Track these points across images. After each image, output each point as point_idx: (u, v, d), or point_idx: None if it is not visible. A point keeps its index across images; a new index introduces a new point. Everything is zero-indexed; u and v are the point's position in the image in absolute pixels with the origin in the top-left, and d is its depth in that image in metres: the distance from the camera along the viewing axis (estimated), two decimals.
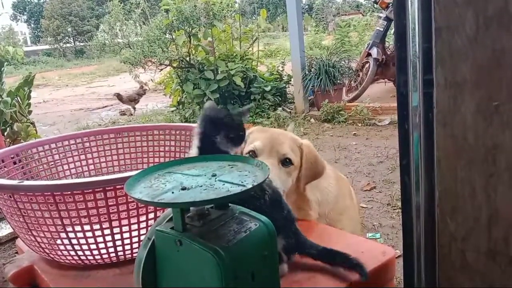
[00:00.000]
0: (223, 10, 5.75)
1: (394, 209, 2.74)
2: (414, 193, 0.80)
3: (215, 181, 0.67)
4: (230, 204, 0.72)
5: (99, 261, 0.94)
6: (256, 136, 1.15)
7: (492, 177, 0.67)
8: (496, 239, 0.69)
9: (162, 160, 1.33)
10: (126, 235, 0.91)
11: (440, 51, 0.69)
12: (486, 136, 0.67)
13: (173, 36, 5.86)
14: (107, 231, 0.89)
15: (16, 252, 1.23)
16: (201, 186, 0.66)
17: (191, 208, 0.68)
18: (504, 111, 0.64)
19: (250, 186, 0.64)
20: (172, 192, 0.64)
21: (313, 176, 1.17)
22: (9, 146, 3.43)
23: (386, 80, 6.36)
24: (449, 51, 0.68)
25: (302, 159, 1.14)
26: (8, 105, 3.44)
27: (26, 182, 0.86)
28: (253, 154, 1.11)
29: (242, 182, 0.65)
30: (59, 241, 0.92)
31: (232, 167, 0.74)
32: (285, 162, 1.11)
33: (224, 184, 0.65)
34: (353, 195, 1.45)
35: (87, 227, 0.88)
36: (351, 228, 1.32)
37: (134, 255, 0.93)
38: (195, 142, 0.83)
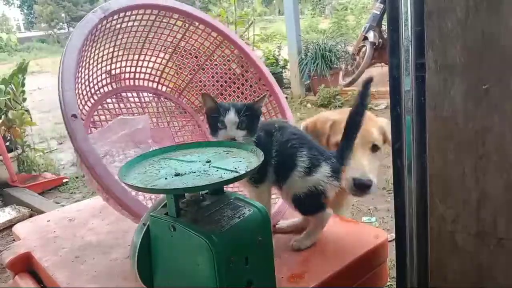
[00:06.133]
0: None
1: (389, 193, 2.75)
2: (406, 177, 0.81)
3: (209, 167, 0.68)
4: (225, 190, 0.73)
5: None
6: None
7: (481, 160, 0.68)
8: (484, 221, 0.70)
9: None
10: None
11: (431, 34, 0.69)
12: (476, 119, 0.67)
13: None
14: None
15: (13, 239, 1.25)
16: (195, 172, 0.66)
17: (185, 194, 0.69)
18: (494, 94, 0.65)
19: (243, 172, 0.64)
20: (166, 178, 0.64)
21: None
22: (4, 134, 3.39)
23: (382, 64, 6.31)
24: (440, 34, 0.68)
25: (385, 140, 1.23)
26: (2, 93, 3.40)
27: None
28: None
29: (235, 168, 0.66)
30: None
31: (227, 153, 0.74)
32: (374, 148, 1.19)
33: (217, 170, 0.66)
34: None
35: None
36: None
37: None
38: None
